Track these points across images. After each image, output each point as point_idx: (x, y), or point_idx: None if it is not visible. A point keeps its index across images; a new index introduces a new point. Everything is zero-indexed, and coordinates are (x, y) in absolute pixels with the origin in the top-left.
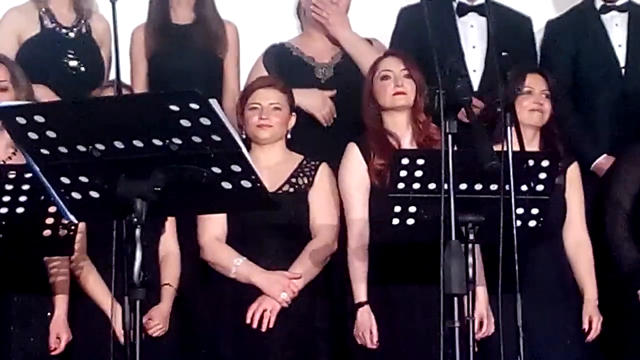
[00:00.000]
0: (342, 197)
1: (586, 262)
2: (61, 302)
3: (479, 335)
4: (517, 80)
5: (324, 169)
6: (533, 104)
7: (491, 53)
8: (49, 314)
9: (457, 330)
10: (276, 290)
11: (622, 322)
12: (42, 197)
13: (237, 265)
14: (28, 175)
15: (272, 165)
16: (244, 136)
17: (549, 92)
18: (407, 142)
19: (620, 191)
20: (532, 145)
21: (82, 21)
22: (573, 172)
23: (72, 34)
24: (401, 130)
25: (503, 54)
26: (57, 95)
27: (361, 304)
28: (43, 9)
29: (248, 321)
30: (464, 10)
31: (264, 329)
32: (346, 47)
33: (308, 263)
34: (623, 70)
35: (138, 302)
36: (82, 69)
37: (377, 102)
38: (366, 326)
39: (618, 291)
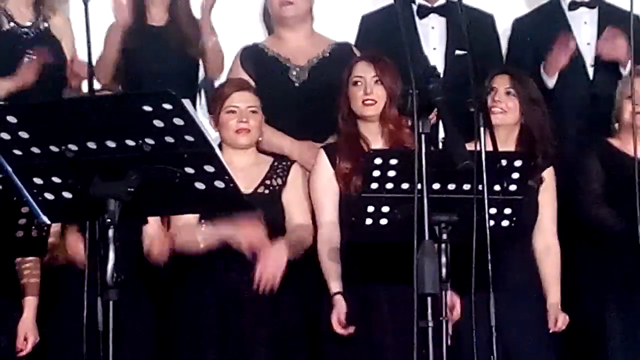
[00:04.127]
0: (313, 202)
1: (553, 267)
2: (30, 304)
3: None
4: (484, 80)
5: (295, 169)
6: (492, 102)
7: (452, 54)
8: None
9: (430, 329)
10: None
11: (594, 326)
12: (15, 198)
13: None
14: None
15: (246, 167)
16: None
17: (512, 90)
18: (377, 146)
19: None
20: (507, 145)
21: (40, 18)
22: (548, 176)
23: (30, 33)
24: (372, 135)
25: (458, 52)
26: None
27: (337, 293)
28: (1, 10)
29: (255, 286)
30: (424, 12)
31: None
32: None
33: (289, 241)
34: (591, 69)
35: (111, 303)
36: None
37: (350, 106)
38: (340, 311)
39: (587, 295)
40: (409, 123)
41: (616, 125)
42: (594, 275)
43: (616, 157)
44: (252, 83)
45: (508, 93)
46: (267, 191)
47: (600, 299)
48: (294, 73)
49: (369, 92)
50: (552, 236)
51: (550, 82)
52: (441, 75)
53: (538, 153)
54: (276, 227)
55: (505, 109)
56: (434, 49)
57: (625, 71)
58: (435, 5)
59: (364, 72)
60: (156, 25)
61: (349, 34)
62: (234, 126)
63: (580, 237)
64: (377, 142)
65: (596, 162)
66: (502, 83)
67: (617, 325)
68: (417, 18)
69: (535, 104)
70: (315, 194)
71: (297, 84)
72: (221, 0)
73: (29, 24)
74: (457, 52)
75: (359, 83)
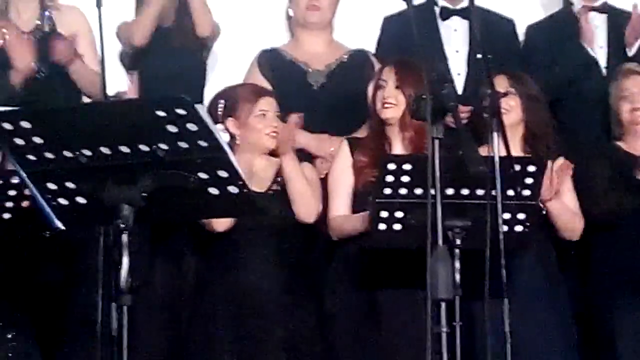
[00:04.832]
0: (328, 188)
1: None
2: None
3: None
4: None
5: (305, 166)
6: None
7: (474, 57)
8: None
9: (444, 335)
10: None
11: (607, 330)
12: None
13: None
14: (15, 180)
15: (258, 170)
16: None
17: (512, 90)
18: (397, 150)
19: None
20: (512, 145)
21: (44, 21)
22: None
23: (33, 37)
24: (395, 139)
25: (479, 55)
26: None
27: None
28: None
29: None
30: (447, 14)
31: None
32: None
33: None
34: (605, 71)
35: (125, 308)
36: (42, 71)
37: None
38: None
39: (598, 296)
40: None
41: (620, 128)
42: (605, 276)
43: (624, 160)
44: (270, 86)
45: (506, 92)
46: (279, 188)
47: (611, 300)
48: (312, 76)
49: (386, 95)
50: (576, 209)
51: (630, 51)
52: (465, 78)
53: (541, 150)
54: (290, 223)
55: (508, 108)
56: (457, 51)
57: (630, 52)
58: (458, 7)
59: (387, 76)
60: (164, 26)
61: (367, 43)
62: (265, 130)
63: (592, 236)
64: (397, 145)
65: (605, 166)
66: (500, 84)
67: (628, 325)
68: (439, 20)
69: (535, 101)
70: (331, 181)
71: (315, 87)
72: (246, 4)
73: (31, 29)
74: (479, 55)
75: (382, 86)
